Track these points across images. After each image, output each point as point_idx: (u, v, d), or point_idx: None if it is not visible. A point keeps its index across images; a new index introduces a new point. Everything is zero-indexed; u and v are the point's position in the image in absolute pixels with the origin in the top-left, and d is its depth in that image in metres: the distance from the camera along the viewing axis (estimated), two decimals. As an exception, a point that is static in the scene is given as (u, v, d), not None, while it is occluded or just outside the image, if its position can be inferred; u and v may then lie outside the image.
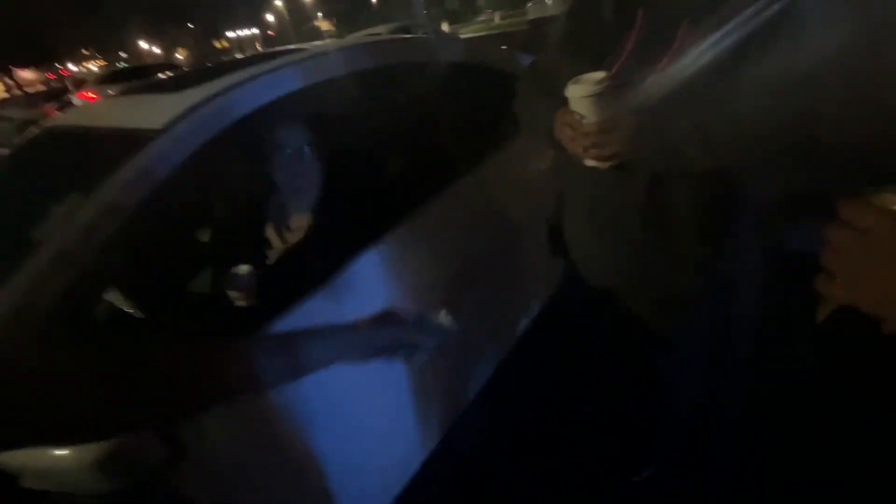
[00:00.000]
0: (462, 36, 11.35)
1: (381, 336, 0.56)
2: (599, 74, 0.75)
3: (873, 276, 0.33)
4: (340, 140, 1.20)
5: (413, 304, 1.16)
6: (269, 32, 47.51)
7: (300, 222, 1.16)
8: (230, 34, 47.05)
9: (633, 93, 0.73)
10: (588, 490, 1.27)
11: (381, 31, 7.66)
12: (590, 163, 0.81)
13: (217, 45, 47.26)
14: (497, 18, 30.38)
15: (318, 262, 1.07)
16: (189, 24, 41.31)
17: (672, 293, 0.89)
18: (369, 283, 1.09)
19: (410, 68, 1.34)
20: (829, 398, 1.13)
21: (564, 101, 0.78)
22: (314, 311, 0.98)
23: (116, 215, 0.77)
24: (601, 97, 0.73)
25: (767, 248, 0.85)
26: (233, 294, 0.98)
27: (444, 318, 0.63)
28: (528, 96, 0.97)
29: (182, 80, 1.18)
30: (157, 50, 40.43)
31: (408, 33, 8.04)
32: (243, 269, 1.02)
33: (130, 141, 0.87)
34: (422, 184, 1.30)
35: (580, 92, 0.74)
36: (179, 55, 39.88)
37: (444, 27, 14.19)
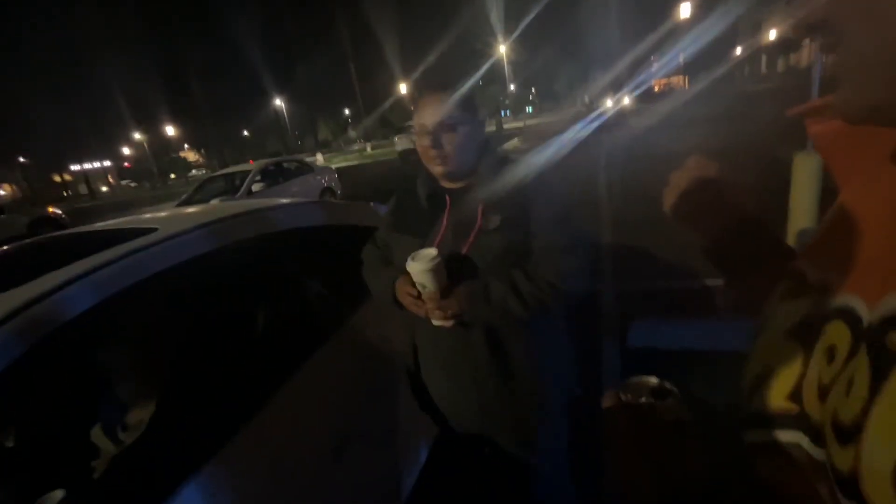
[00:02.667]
0: (334, 166, 12.10)
1: None
2: (432, 251, 0.91)
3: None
4: (195, 320, 1.12)
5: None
6: (126, 164, 44.80)
7: (141, 415, 0.99)
8: (75, 167, 43.03)
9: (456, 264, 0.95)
10: None
11: (250, 168, 7.75)
12: (436, 322, 0.97)
13: (56, 178, 42.51)
14: (369, 148, 33.54)
15: (170, 461, 0.91)
16: (20, 158, 36.84)
17: (519, 417, 1.07)
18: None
19: (272, 238, 1.33)
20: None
21: (402, 271, 0.96)
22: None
23: None
24: (437, 269, 0.90)
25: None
26: None
27: None
28: (372, 267, 1.15)
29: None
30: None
31: (280, 167, 8.30)
32: (55, 495, 0.81)
33: None
34: (291, 354, 1.23)
35: (419, 267, 0.89)
36: (3, 191, 34.76)
37: (319, 157, 15.06)
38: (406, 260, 0.95)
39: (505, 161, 1.04)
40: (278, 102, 33.56)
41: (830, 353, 0.32)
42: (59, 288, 0.86)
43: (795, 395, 0.35)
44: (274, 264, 1.35)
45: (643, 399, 0.42)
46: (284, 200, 1.61)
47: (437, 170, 0.99)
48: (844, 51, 0.29)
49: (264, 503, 0.96)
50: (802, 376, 0.35)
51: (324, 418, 1.15)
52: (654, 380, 0.44)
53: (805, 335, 0.36)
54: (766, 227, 0.53)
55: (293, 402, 1.10)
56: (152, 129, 36.00)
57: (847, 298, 0.33)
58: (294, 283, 1.43)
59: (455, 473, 1.34)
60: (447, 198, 1.02)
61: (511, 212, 0.95)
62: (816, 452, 0.32)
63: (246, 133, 39.51)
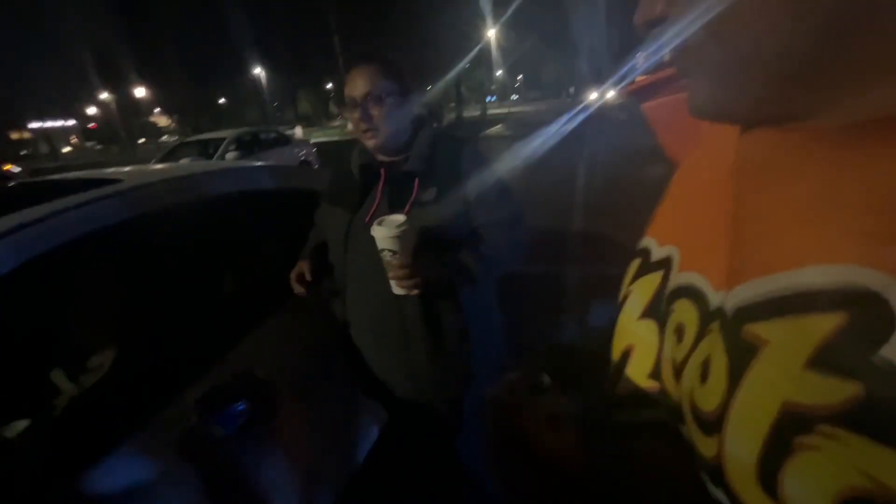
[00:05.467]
0: (313, 140, 11.82)
1: None
2: (400, 217, 0.89)
3: None
4: (158, 271, 1.12)
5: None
6: (92, 125, 42.51)
7: (102, 359, 1.01)
8: (34, 125, 40.56)
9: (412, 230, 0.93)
10: None
11: (226, 135, 7.52)
12: (397, 291, 0.93)
13: (14, 136, 40.01)
14: (349, 125, 32.70)
15: (127, 407, 0.93)
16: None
17: (446, 381, 1.11)
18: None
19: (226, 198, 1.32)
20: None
21: (335, 243, 1.05)
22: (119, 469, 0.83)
23: None
24: (404, 236, 0.87)
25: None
26: None
27: None
28: (314, 240, 1.21)
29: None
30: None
31: (256, 137, 8.08)
32: (19, 424, 0.83)
33: None
34: (248, 312, 1.25)
35: (385, 232, 0.86)
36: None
37: (298, 130, 14.69)
38: (338, 232, 1.02)
39: (441, 136, 1.06)
40: (258, 71, 32.31)
41: (679, 332, 0.32)
42: (25, 226, 0.87)
43: (655, 373, 0.35)
44: (234, 224, 1.36)
45: (520, 394, 0.43)
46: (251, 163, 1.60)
47: (369, 143, 1.01)
48: (708, 50, 0.27)
49: (212, 458, 0.99)
50: (660, 354, 0.35)
51: (279, 380, 1.16)
52: (534, 375, 0.44)
53: (657, 313, 0.36)
54: None
55: (245, 361, 1.12)
56: (121, 89, 34.09)
57: (690, 277, 0.32)
58: (253, 244, 1.44)
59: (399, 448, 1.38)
60: (382, 170, 1.03)
61: (447, 184, 0.98)
62: (683, 429, 0.31)
63: (223, 101, 37.98)
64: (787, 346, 0.23)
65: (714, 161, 0.34)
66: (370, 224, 0.92)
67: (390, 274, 0.91)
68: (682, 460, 0.31)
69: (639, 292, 0.39)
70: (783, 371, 0.23)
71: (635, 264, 0.41)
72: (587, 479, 0.38)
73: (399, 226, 0.86)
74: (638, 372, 0.36)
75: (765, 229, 0.26)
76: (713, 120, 0.30)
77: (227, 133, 7.57)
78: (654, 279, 0.37)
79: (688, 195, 0.37)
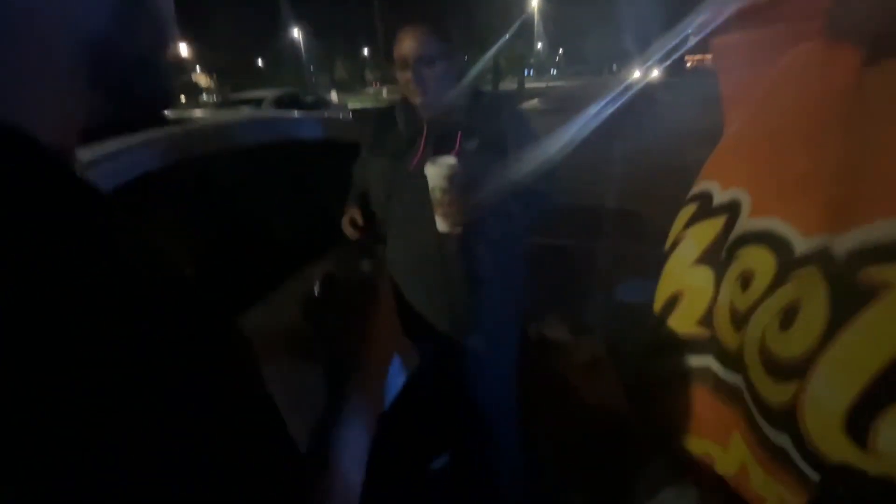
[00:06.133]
0: (350, 105, 11.86)
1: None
2: (451, 159, 0.97)
3: None
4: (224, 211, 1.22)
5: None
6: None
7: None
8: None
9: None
10: (384, 478, 1.32)
11: (266, 94, 7.64)
12: (441, 228, 1.01)
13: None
14: (384, 92, 32.48)
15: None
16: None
17: (480, 320, 1.17)
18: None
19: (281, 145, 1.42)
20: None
21: (376, 190, 1.13)
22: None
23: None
24: (453, 176, 0.95)
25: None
26: None
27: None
28: (351, 190, 1.29)
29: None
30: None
31: (295, 98, 8.18)
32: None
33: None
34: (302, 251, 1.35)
35: (436, 171, 0.95)
36: None
37: (333, 96, 14.71)
38: (382, 180, 1.10)
39: (481, 92, 1.13)
40: (296, 34, 32.21)
41: (746, 279, 0.30)
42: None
43: (706, 320, 0.34)
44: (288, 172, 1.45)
45: (560, 336, 0.44)
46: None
47: (417, 101, 1.07)
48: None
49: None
50: (713, 301, 0.33)
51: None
52: (576, 318, 0.46)
53: (715, 260, 0.34)
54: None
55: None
56: (165, 47, 34.60)
57: (767, 222, 0.31)
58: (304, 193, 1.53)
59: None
60: (425, 124, 1.10)
61: (488, 137, 1.05)
62: (728, 376, 0.30)
63: (260, 63, 38.20)
64: None
65: (800, 103, 0.32)
66: (414, 172, 1.01)
67: (439, 210, 0.98)
68: (716, 407, 0.30)
69: (694, 238, 0.37)
70: None
71: (690, 209, 0.39)
72: (618, 422, 0.38)
73: (451, 166, 0.95)
74: (685, 319, 0.35)
75: (893, 163, 0.25)
76: (860, 44, 0.27)
77: (268, 93, 7.70)
78: (714, 224, 0.35)
79: (760, 136, 0.35)
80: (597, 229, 3.56)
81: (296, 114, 1.81)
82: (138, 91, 0.28)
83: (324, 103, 8.63)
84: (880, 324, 0.22)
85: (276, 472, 0.25)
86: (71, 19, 0.22)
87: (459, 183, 0.97)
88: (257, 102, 7.35)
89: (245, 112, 1.69)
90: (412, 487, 1.42)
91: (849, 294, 0.24)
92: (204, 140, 1.20)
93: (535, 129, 1.09)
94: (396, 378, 1.61)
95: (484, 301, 1.16)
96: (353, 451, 0.33)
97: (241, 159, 1.26)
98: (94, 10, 0.23)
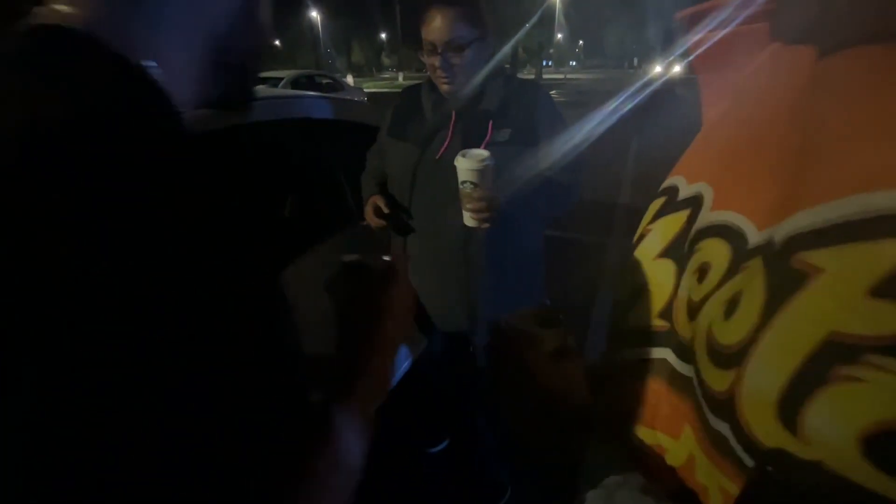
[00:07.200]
0: (365, 90, 11.80)
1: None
2: (484, 153, 0.90)
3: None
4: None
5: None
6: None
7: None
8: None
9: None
10: (383, 462, 1.37)
11: (283, 75, 7.64)
12: (469, 223, 0.95)
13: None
14: (400, 78, 32.26)
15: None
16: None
17: (486, 311, 1.12)
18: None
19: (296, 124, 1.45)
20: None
21: (395, 177, 1.10)
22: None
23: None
24: (485, 171, 0.89)
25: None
26: None
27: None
28: (367, 174, 1.23)
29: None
30: None
31: (312, 80, 8.18)
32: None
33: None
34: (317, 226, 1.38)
35: (468, 165, 0.88)
36: None
37: (349, 79, 14.65)
38: (406, 167, 1.04)
39: (511, 79, 1.06)
40: (314, 14, 31.99)
41: (702, 272, 0.31)
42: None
43: (666, 313, 0.35)
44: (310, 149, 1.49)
45: (529, 326, 0.45)
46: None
47: (444, 88, 1.01)
48: None
49: None
50: (674, 294, 0.34)
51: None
52: (544, 309, 0.46)
53: (677, 254, 0.35)
54: None
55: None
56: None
57: (725, 215, 0.32)
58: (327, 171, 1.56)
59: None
60: (453, 110, 1.04)
61: (520, 127, 0.99)
62: (683, 368, 0.31)
63: (278, 43, 38.07)
64: (846, 273, 0.22)
65: (761, 98, 0.33)
66: (442, 160, 0.96)
67: (469, 206, 0.92)
68: (672, 398, 0.31)
69: (659, 231, 0.38)
70: (837, 299, 0.22)
71: (658, 203, 0.40)
72: (587, 411, 0.39)
73: (483, 160, 0.88)
74: (646, 312, 0.37)
75: (836, 149, 0.26)
76: (811, 42, 0.29)
77: (285, 73, 7.70)
78: (678, 218, 0.36)
79: (725, 133, 0.36)
80: (608, 225, 3.54)
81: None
82: (251, 70, 0.40)
83: (340, 86, 8.61)
84: (808, 308, 0.23)
85: (278, 435, 0.28)
86: (210, 16, 0.34)
87: (490, 178, 0.91)
88: (274, 82, 7.36)
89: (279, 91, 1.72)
90: (410, 469, 1.45)
91: (783, 280, 0.24)
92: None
93: (566, 120, 1.04)
94: (402, 364, 1.64)
95: (502, 295, 1.11)
96: (354, 430, 0.35)
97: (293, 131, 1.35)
98: (224, 12, 0.34)
